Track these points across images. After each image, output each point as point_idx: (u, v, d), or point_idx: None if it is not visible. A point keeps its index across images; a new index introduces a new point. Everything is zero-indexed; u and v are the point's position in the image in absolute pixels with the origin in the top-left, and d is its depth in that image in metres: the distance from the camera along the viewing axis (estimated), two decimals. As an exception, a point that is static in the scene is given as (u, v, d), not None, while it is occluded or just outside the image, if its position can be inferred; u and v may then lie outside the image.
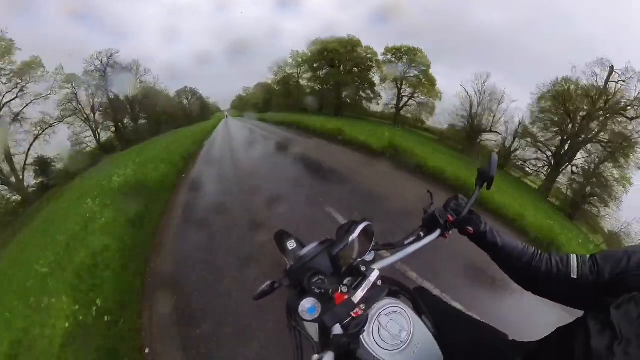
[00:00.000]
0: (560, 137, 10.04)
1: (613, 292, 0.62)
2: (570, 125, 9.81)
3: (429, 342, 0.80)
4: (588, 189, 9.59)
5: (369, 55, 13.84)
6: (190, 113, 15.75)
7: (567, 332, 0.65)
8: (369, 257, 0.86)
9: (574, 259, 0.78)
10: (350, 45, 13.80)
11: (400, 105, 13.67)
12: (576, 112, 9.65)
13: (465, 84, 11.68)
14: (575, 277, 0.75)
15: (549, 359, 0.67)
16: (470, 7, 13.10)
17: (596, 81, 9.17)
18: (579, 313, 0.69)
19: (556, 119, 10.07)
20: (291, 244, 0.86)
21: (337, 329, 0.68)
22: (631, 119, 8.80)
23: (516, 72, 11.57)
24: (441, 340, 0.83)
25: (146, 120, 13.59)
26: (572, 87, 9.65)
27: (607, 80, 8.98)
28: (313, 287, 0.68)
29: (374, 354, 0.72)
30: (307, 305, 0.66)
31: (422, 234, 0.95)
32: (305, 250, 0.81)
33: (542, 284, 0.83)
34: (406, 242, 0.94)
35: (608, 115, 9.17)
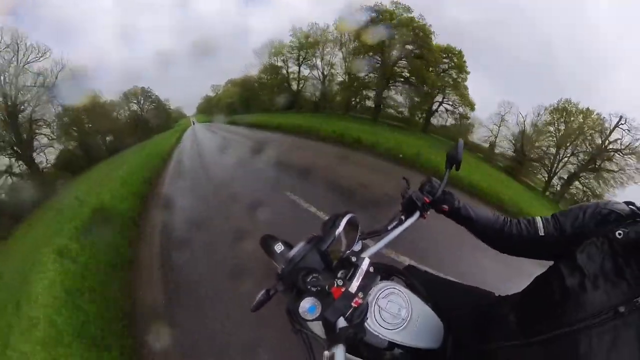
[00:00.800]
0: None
1: (575, 242, 0.72)
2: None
3: (427, 314, 0.87)
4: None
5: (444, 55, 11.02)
6: (145, 123, 12.99)
7: (544, 278, 0.76)
8: (357, 247, 0.88)
9: (539, 220, 0.88)
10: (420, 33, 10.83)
11: (433, 110, 11.74)
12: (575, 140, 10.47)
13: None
14: (542, 234, 0.85)
15: (534, 304, 0.77)
16: (443, 4, 12.90)
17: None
18: (551, 263, 0.78)
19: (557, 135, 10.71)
20: (278, 247, 0.85)
21: (342, 322, 0.69)
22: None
23: (490, 68, 11.83)
24: (438, 310, 0.89)
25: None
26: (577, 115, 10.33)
27: (614, 129, 9.77)
28: (309, 286, 0.68)
29: (380, 336, 0.76)
30: (307, 305, 0.66)
31: (403, 217, 1.02)
32: (294, 251, 0.80)
33: (516, 245, 0.94)
34: (389, 227, 0.99)
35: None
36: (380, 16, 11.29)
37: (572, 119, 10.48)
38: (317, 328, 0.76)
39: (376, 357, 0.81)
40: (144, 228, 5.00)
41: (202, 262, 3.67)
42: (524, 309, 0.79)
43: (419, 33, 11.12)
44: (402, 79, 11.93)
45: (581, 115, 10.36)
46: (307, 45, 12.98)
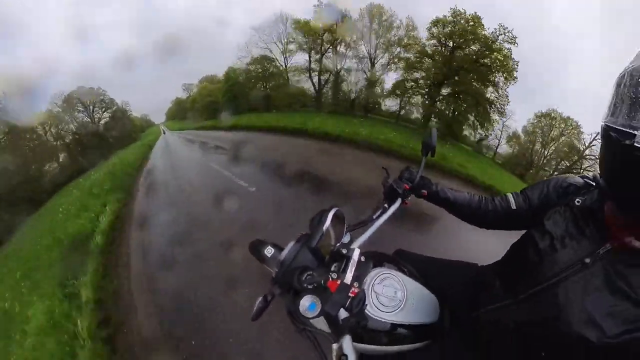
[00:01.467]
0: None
1: (542, 212, 0.85)
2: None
3: (421, 292, 0.93)
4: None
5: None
6: (100, 137, 9.89)
7: (520, 245, 0.88)
8: (345, 239, 0.90)
9: (510, 195, 1.00)
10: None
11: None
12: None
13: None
14: (514, 208, 0.98)
15: (514, 268, 0.87)
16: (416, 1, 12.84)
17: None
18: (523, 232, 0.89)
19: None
20: (269, 251, 0.84)
21: (343, 313, 0.71)
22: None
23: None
24: (430, 286, 0.96)
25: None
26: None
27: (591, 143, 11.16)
28: (305, 285, 0.69)
29: (381, 320, 0.82)
30: (307, 304, 0.67)
31: (386, 205, 1.07)
32: (285, 253, 0.80)
33: (492, 220, 1.05)
34: (374, 217, 1.03)
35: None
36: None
37: (555, 124, 11.92)
38: (321, 324, 0.77)
39: (381, 341, 0.85)
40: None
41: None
42: (506, 273, 0.89)
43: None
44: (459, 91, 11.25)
45: (563, 123, 11.86)
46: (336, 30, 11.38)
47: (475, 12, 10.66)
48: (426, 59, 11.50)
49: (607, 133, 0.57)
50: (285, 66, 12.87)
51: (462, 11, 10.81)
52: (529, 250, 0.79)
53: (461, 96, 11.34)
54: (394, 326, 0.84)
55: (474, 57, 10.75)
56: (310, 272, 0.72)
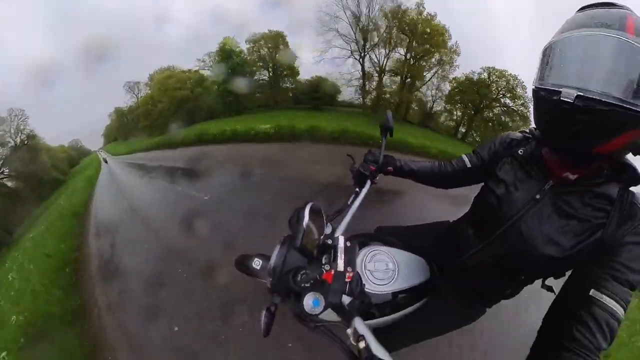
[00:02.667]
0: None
1: (493, 165, 0.99)
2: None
3: (409, 257, 1.02)
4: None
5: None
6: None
7: (481, 195, 1.02)
8: (327, 230, 0.90)
9: (464, 156, 1.14)
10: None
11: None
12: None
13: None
14: (470, 166, 1.10)
15: (480, 216, 1.02)
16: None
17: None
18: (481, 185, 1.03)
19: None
20: (256, 263, 0.83)
21: (346, 299, 0.72)
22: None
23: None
24: (415, 251, 1.06)
25: None
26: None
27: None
28: (303, 284, 0.69)
29: (382, 292, 0.90)
30: (310, 302, 0.67)
31: (357, 189, 1.12)
32: (273, 259, 0.79)
33: (452, 180, 1.18)
34: (349, 202, 1.07)
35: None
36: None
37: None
38: (330, 315, 0.78)
39: (387, 311, 0.93)
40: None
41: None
42: (475, 222, 1.04)
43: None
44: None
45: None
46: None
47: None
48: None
49: (539, 94, 0.68)
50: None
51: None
52: (489, 198, 0.93)
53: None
54: (394, 295, 0.92)
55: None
56: (303, 270, 0.72)
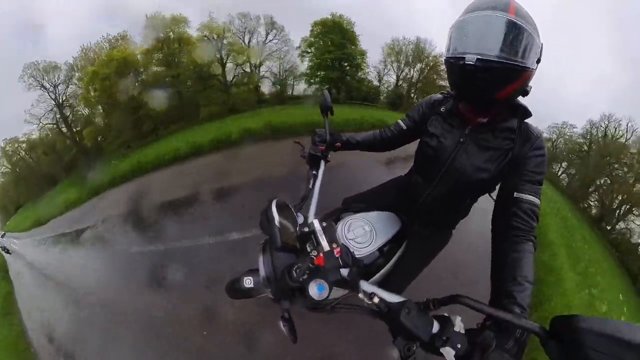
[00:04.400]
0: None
1: (424, 123, 1.17)
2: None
3: (380, 215, 1.15)
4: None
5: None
6: None
7: (420, 150, 1.19)
8: (300, 219, 0.92)
9: (399, 121, 1.30)
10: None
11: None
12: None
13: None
14: (405, 128, 1.27)
15: (423, 165, 1.20)
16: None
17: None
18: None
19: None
20: (247, 281, 0.82)
21: (344, 271, 0.76)
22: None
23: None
24: (382, 207, 1.20)
25: None
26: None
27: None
28: (300, 278, 0.70)
29: (370, 252, 1.00)
30: (315, 290, 0.69)
31: (314, 172, 1.15)
32: (263, 270, 0.78)
33: (395, 142, 1.34)
34: (311, 186, 1.10)
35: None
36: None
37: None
38: (338, 292, 0.82)
39: (381, 265, 1.05)
40: None
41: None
42: (421, 170, 1.22)
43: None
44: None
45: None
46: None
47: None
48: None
49: (450, 61, 0.87)
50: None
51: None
52: (427, 150, 1.12)
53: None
54: (380, 250, 1.03)
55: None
56: (295, 266, 0.72)
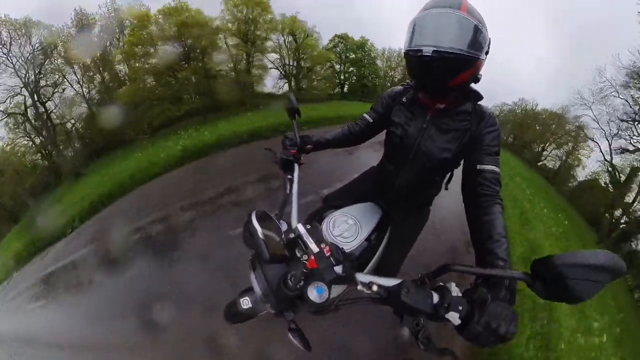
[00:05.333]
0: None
1: (388, 114, 1.23)
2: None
3: (360, 207, 1.18)
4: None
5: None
6: None
7: (387, 139, 1.26)
8: (283, 227, 0.91)
9: (365, 115, 1.34)
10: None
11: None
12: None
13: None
14: (371, 121, 1.33)
15: (392, 153, 1.27)
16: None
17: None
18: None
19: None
20: (245, 302, 0.78)
21: (338, 269, 0.76)
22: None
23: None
24: (361, 199, 1.22)
25: None
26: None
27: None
28: (297, 285, 0.69)
29: (359, 244, 1.01)
30: (315, 293, 0.68)
31: (289, 176, 1.13)
32: (258, 288, 0.75)
33: (364, 136, 1.39)
34: (288, 192, 1.09)
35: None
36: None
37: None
38: (337, 289, 0.82)
39: (372, 252, 1.07)
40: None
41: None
42: (391, 158, 1.30)
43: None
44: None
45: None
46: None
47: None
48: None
49: (409, 54, 0.94)
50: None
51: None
52: (394, 139, 1.19)
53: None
54: (368, 239, 1.05)
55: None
56: (288, 275, 0.71)
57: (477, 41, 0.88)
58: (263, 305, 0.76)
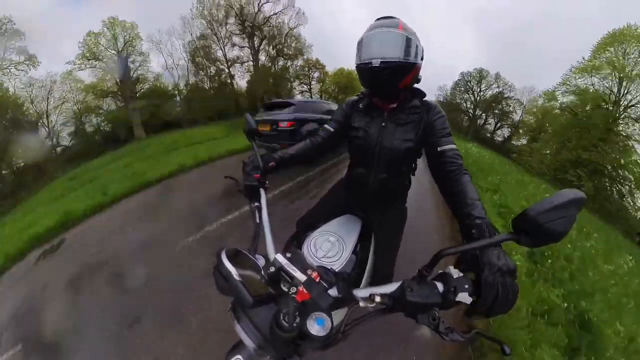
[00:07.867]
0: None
1: (349, 121, 1.31)
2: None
3: (340, 222, 1.17)
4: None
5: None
6: None
7: (351, 144, 1.31)
8: (260, 261, 0.80)
9: (326, 126, 1.38)
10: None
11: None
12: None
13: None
14: (333, 130, 1.35)
15: (359, 157, 1.33)
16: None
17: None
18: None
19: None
20: (245, 354, 0.66)
21: (332, 291, 0.69)
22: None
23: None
24: (337, 213, 1.22)
25: None
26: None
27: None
28: (293, 324, 0.60)
29: (346, 261, 0.97)
30: (316, 328, 0.60)
31: (256, 204, 1.01)
32: (248, 340, 0.64)
33: (326, 146, 1.37)
34: (258, 221, 0.96)
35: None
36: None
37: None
38: (339, 314, 0.74)
39: (362, 266, 1.03)
40: None
41: None
42: (358, 162, 1.35)
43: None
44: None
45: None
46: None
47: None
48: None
49: (360, 67, 1.10)
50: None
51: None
52: (357, 142, 1.27)
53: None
54: (354, 253, 1.01)
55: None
56: (280, 315, 0.61)
57: (413, 51, 1.07)
58: (260, 358, 0.65)
